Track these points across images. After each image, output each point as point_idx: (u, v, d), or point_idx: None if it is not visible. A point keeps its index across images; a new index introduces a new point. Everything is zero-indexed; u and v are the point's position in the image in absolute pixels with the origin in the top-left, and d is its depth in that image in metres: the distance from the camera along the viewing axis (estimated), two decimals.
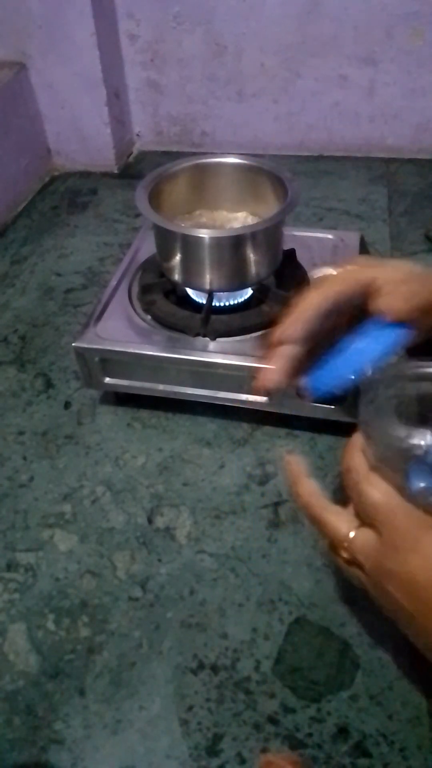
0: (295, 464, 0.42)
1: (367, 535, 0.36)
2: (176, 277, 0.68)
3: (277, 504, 0.62)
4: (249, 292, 0.70)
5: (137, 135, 1.32)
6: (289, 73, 1.16)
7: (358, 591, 0.51)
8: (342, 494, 0.40)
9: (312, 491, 0.40)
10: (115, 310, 0.70)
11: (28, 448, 0.70)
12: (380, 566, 0.35)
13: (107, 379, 0.69)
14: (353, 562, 0.38)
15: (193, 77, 1.21)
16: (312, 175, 1.18)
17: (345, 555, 0.38)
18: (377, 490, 0.35)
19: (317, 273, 0.68)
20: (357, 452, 0.38)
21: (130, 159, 1.30)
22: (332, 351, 0.41)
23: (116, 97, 1.20)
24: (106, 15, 1.12)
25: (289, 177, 0.67)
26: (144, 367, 0.67)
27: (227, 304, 0.69)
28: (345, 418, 0.64)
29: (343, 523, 0.38)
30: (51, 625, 0.54)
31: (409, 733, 0.46)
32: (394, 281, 0.40)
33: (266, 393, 0.43)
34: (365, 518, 0.37)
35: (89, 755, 0.47)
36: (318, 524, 0.39)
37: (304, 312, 0.40)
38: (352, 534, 0.37)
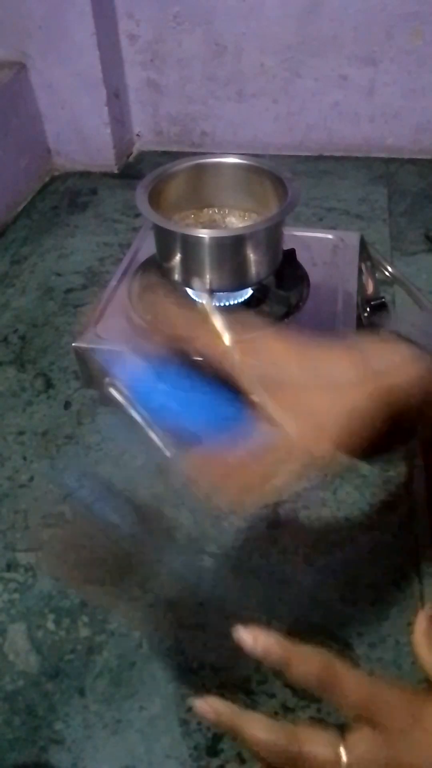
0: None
1: (363, 734, 0.30)
2: (176, 277, 0.68)
3: (277, 504, 0.62)
4: (249, 292, 0.70)
5: (137, 135, 1.32)
6: (289, 73, 1.16)
7: (358, 590, 0.51)
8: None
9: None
10: (115, 310, 0.70)
11: (28, 448, 0.70)
12: (396, 759, 0.29)
13: (107, 379, 0.69)
14: None
15: (192, 77, 1.21)
16: (312, 175, 1.18)
17: None
18: (358, 677, 0.31)
19: None
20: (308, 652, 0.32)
21: (130, 159, 1.30)
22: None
23: (116, 97, 1.20)
24: (106, 15, 1.12)
25: (289, 177, 0.66)
26: None
27: (227, 304, 0.69)
28: None
29: (323, 746, 0.30)
30: (51, 625, 0.54)
31: None
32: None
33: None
34: (351, 717, 0.31)
35: (89, 755, 0.47)
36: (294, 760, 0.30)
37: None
38: (341, 750, 0.30)
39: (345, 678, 0.31)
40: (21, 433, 0.72)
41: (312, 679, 0.32)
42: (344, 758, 0.29)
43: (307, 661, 0.32)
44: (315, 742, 0.31)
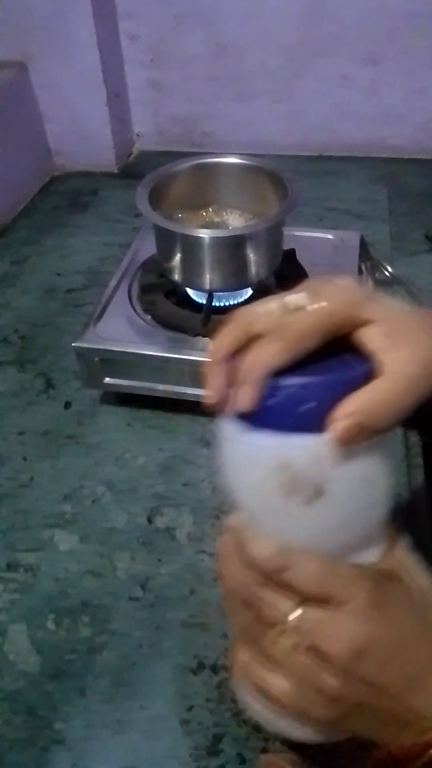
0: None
1: (316, 612, 0.30)
2: (176, 277, 0.68)
3: None
4: (249, 292, 0.70)
5: (138, 135, 1.32)
6: (291, 73, 1.16)
7: None
8: None
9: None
10: (116, 310, 0.70)
11: (28, 448, 0.70)
12: (347, 646, 0.29)
13: (107, 379, 0.69)
14: (300, 646, 0.30)
15: (194, 77, 1.21)
16: (313, 175, 1.18)
17: (287, 640, 0.30)
18: (316, 563, 0.30)
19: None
20: (260, 537, 0.31)
21: (131, 159, 1.30)
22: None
23: (117, 97, 1.20)
24: (106, 15, 1.12)
25: (289, 177, 0.67)
26: (144, 367, 0.67)
27: (227, 304, 0.69)
28: None
29: (283, 601, 0.30)
30: (51, 625, 0.54)
31: None
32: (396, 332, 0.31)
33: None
34: (309, 596, 0.30)
35: (90, 755, 0.47)
36: (260, 596, 0.31)
37: (287, 346, 0.31)
38: (299, 611, 0.30)
39: (300, 561, 0.30)
40: (21, 433, 0.72)
41: (265, 563, 0.31)
42: (293, 618, 0.30)
43: (261, 545, 0.31)
44: (277, 594, 0.31)
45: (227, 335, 0.32)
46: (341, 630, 0.29)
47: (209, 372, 0.32)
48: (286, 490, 0.29)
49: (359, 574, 0.30)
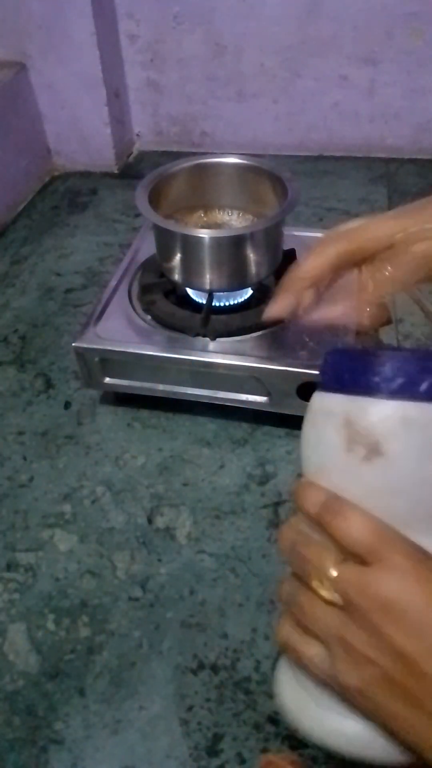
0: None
1: (354, 567, 0.30)
2: (176, 277, 0.68)
3: (277, 504, 0.62)
4: (249, 292, 0.70)
5: (137, 135, 1.32)
6: (289, 73, 1.16)
7: None
8: None
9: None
10: (115, 310, 0.70)
11: (28, 448, 0.70)
12: (376, 600, 0.29)
13: (107, 379, 0.69)
14: (333, 602, 0.30)
15: (193, 77, 1.21)
16: (312, 175, 1.18)
17: (325, 593, 0.31)
18: (362, 517, 0.30)
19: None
20: (317, 485, 0.32)
21: (130, 159, 1.30)
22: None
23: (116, 97, 1.20)
24: (106, 15, 1.12)
25: (288, 177, 0.67)
26: (144, 367, 0.67)
27: (227, 304, 0.69)
28: None
29: (328, 553, 0.31)
30: (51, 625, 0.54)
31: None
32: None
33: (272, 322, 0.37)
34: (349, 550, 0.30)
35: (89, 755, 0.47)
36: (304, 554, 0.32)
37: (324, 260, 0.38)
38: (340, 565, 0.31)
39: (347, 510, 0.31)
40: (21, 433, 0.72)
41: (314, 508, 0.31)
42: (333, 573, 0.30)
43: (312, 491, 0.32)
44: (321, 547, 0.31)
45: (326, 255, 0.34)
46: (373, 582, 0.29)
47: (291, 287, 0.32)
48: (349, 443, 0.31)
49: (405, 540, 0.30)
